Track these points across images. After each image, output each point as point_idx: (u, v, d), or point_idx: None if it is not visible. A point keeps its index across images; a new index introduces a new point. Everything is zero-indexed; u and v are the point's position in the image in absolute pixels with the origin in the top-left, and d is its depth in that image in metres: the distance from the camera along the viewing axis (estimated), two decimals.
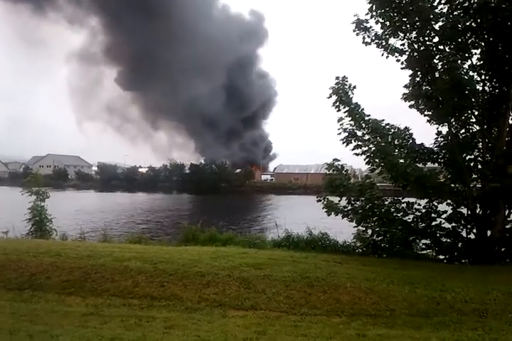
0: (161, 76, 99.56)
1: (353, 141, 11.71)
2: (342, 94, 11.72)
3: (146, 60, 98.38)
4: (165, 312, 7.15)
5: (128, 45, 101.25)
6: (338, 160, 12.31)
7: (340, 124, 11.79)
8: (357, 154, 11.77)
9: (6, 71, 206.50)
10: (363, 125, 11.61)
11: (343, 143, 11.80)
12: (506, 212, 11.04)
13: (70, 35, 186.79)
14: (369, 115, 11.72)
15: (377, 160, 11.42)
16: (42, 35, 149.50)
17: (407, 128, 11.91)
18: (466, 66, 10.98)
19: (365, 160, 11.67)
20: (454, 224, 11.57)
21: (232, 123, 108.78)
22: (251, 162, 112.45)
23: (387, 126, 11.74)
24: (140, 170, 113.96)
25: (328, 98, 11.88)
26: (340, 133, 11.81)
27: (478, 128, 11.53)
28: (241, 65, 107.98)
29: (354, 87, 11.91)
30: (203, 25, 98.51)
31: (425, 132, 12.73)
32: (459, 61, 10.64)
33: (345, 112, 11.75)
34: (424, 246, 11.85)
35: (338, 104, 11.77)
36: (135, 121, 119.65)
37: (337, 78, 11.96)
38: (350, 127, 11.73)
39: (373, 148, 11.31)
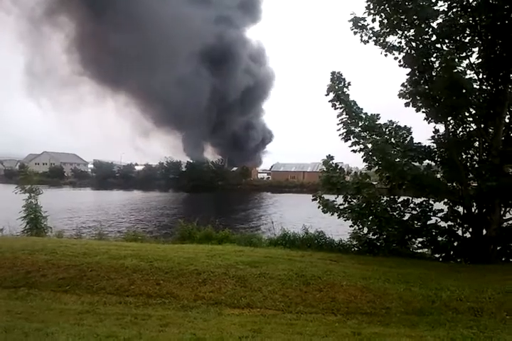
0: (119, 61, 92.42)
1: (351, 138, 11.74)
2: (339, 92, 11.74)
3: (103, 45, 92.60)
4: (161, 310, 7.14)
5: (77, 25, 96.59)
6: (332, 158, 12.34)
7: (340, 119, 11.82)
8: (354, 151, 11.81)
9: None
10: (359, 123, 11.64)
11: (342, 138, 11.83)
12: (502, 211, 11.07)
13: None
14: (366, 113, 11.76)
15: (374, 158, 11.45)
16: None
17: (405, 127, 11.93)
18: (463, 65, 10.98)
19: (362, 157, 11.71)
20: (449, 223, 11.62)
21: (208, 115, 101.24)
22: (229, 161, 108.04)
23: (384, 124, 11.78)
24: (136, 167, 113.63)
25: (326, 95, 11.92)
26: (340, 129, 11.85)
27: (474, 127, 11.56)
28: (223, 49, 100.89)
29: (349, 84, 11.95)
30: (167, 5, 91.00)
31: (422, 130, 12.75)
32: (457, 59, 10.64)
33: (341, 109, 11.78)
34: (420, 245, 11.88)
35: (334, 101, 11.80)
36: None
37: (332, 74, 11.99)
38: (349, 122, 11.76)
39: (370, 146, 11.34)
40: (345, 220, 11.86)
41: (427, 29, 11.06)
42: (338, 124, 11.93)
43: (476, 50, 11.16)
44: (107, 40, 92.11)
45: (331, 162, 12.29)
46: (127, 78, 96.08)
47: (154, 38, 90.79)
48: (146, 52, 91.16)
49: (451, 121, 11.71)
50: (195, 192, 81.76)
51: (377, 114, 11.90)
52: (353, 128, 11.75)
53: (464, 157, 11.72)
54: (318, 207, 12.06)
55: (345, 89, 11.89)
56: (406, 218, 11.81)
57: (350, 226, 11.98)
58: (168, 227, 27.08)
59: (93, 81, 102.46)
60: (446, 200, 11.69)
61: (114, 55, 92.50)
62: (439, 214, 11.67)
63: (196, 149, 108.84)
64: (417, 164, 11.64)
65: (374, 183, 12.48)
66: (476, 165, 11.52)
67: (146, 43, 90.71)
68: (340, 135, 11.91)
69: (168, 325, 6.29)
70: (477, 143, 11.55)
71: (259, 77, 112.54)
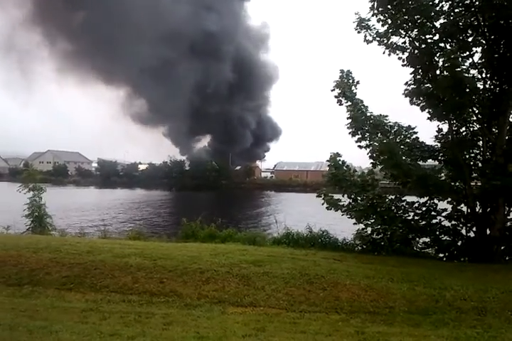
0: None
1: (359, 133, 11.72)
2: (346, 88, 11.73)
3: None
4: (164, 309, 7.16)
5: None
6: (340, 155, 12.33)
7: (349, 114, 11.80)
8: (361, 147, 11.80)
9: None
10: (365, 121, 11.64)
11: (350, 133, 11.82)
12: (506, 211, 11.04)
13: None
14: (371, 112, 11.76)
15: (381, 157, 11.43)
16: None
17: (409, 126, 11.93)
18: (467, 64, 10.97)
19: (368, 154, 11.70)
20: (453, 222, 11.58)
21: (192, 107, 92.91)
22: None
23: (390, 123, 11.77)
24: (140, 166, 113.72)
25: (332, 91, 11.91)
26: (348, 124, 11.82)
27: (478, 126, 11.53)
28: (208, 34, 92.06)
29: (357, 83, 11.94)
30: None
31: (425, 130, 12.74)
32: (460, 59, 10.62)
33: (347, 107, 11.77)
34: (423, 244, 11.85)
35: (340, 97, 11.79)
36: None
37: (341, 71, 11.98)
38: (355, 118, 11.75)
39: (377, 145, 11.32)
40: (349, 218, 11.85)
41: (430, 29, 11.04)
42: (347, 118, 11.90)
43: (479, 49, 11.14)
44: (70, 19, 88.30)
45: (337, 159, 12.28)
46: (88, 60, 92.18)
47: (122, 18, 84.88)
48: (112, 33, 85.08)
49: (455, 121, 11.68)
50: (199, 191, 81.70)
51: (385, 116, 11.90)
52: (360, 125, 11.73)
53: (467, 156, 11.69)
54: (322, 204, 12.05)
55: (352, 87, 11.87)
56: (410, 217, 11.79)
57: (354, 224, 11.95)
58: (167, 226, 27.12)
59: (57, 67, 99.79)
60: (450, 199, 11.67)
61: (78, 34, 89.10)
62: (443, 214, 11.65)
63: (184, 145, 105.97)
64: (421, 163, 11.63)
65: (380, 182, 12.46)
66: (480, 165, 11.49)
67: (112, 23, 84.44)
68: (348, 128, 11.90)
69: (172, 324, 6.31)
70: (481, 142, 11.52)
71: (257, 67, 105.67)
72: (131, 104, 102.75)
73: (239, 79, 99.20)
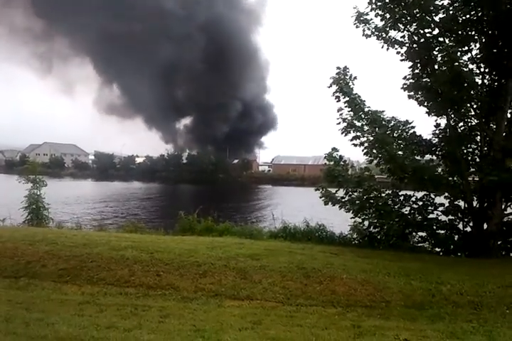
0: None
1: (351, 132, 11.70)
2: (343, 84, 11.70)
3: None
4: (161, 302, 7.16)
5: None
6: (337, 150, 12.33)
7: (340, 114, 11.78)
8: (355, 145, 11.78)
9: None
10: (362, 116, 11.61)
11: (342, 133, 11.79)
12: (503, 206, 11.06)
13: None
14: (369, 106, 11.72)
15: (375, 151, 11.44)
16: None
17: (407, 121, 11.91)
18: (465, 58, 10.95)
19: (363, 151, 11.70)
20: (450, 217, 11.59)
21: (165, 92, 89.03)
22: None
23: (387, 118, 11.74)
24: (137, 159, 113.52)
25: (329, 87, 11.88)
26: (339, 123, 11.80)
27: (476, 121, 11.52)
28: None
29: (355, 78, 11.90)
30: None
31: (423, 124, 12.73)
32: (459, 53, 10.59)
33: (344, 103, 11.73)
34: (420, 239, 11.88)
35: (338, 94, 11.76)
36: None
37: (338, 68, 11.94)
38: (350, 117, 11.71)
39: (372, 138, 11.32)
40: (346, 212, 11.87)
41: (429, 23, 10.99)
42: (337, 119, 11.89)
43: (478, 44, 11.12)
44: None
45: (335, 154, 12.28)
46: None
47: None
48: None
49: (453, 115, 11.66)
50: (196, 184, 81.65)
51: (382, 111, 11.89)
52: (355, 122, 11.69)
53: (465, 151, 11.69)
54: (321, 197, 12.08)
55: (349, 82, 11.83)
56: (407, 211, 11.80)
57: (351, 218, 11.98)
58: (164, 220, 27.10)
59: None
60: (447, 194, 11.68)
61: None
62: (440, 209, 11.66)
63: (167, 133, 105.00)
64: (418, 158, 11.63)
65: (376, 177, 12.47)
66: (478, 160, 11.50)
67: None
68: (340, 130, 11.87)
69: (169, 316, 6.32)
70: (479, 137, 11.52)
71: (248, 50, 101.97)
72: (105, 95, 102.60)
73: (221, 63, 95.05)
